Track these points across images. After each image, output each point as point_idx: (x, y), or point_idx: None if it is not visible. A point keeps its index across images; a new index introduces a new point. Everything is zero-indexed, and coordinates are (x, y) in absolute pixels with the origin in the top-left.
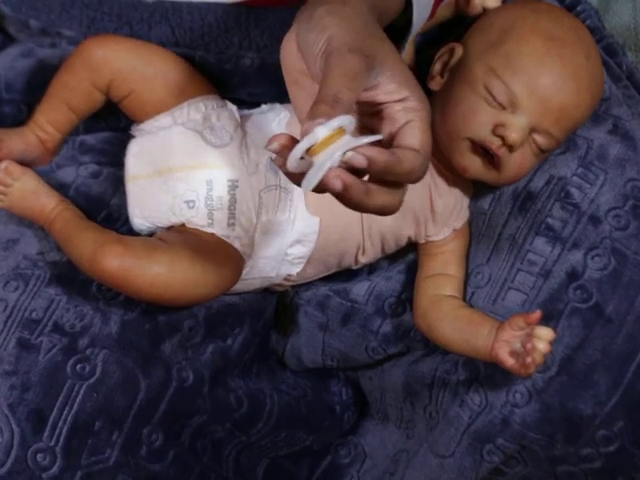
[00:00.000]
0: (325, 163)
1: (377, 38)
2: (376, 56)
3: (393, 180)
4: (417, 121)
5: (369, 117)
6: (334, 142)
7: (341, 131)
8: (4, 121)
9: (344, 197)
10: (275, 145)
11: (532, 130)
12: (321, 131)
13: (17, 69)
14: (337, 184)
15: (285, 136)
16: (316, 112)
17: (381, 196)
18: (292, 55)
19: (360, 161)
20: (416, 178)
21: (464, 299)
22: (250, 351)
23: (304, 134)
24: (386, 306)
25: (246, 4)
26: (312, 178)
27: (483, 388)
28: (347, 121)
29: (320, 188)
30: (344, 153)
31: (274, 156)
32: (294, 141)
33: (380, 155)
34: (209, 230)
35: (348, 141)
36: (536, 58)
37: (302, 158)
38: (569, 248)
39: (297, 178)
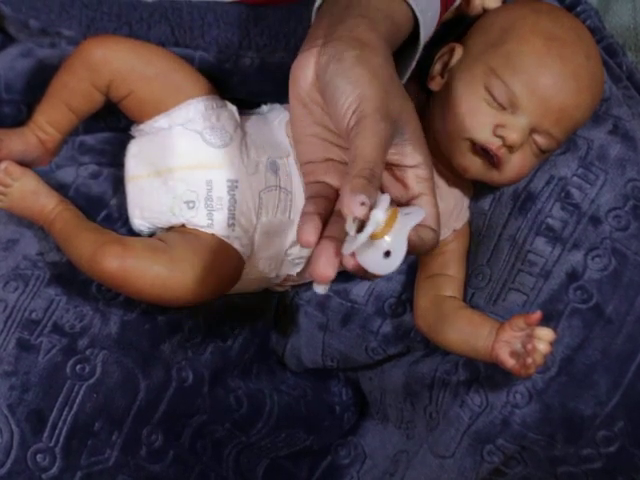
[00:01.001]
0: (401, 248)
1: (401, 97)
2: (401, 119)
3: None
4: (429, 195)
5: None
6: (394, 224)
7: (394, 211)
8: (4, 121)
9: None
10: (308, 237)
11: (532, 130)
12: (380, 215)
13: (17, 69)
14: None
15: (309, 228)
16: (356, 187)
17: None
18: (307, 81)
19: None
20: (426, 253)
21: (464, 300)
22: (250, 351)
23: (347, 208)
24: (386, 306)
25: (246, 3)
26: (391, 263)
27: (483, 389)
28: (389, 198)
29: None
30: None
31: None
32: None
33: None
34: (209, 231)
35: (406, 220)
36: (536, 58)
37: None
38: (569, 248)
39: (356, 266)
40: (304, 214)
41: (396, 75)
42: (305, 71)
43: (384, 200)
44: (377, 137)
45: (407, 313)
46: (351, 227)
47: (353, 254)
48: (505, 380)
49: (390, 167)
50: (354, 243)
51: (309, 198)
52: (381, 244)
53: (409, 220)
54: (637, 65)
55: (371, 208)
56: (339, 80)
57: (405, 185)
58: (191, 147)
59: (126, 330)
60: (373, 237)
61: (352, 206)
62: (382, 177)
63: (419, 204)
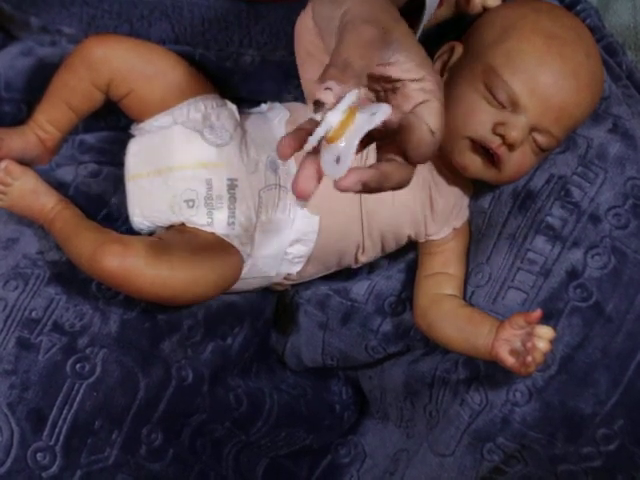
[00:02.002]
0: (348, 154)
1: (395, 18)
2: (393, 32)
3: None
4: (434, 101)
5: (384, 93)
6: (348, 127)
7: (352, 111)
8: (4, 120)
9: (364, 190)
10: (285, 150)
11: (532, 129)
12: (334, 117)
13: (17, 68)
14: (357, 188)
15: (288, 139)
16: (326, 75)
17: (398, 174)
18: (307, 28)
19: (358, 189)
20: (421, 159)
21: (464, 298)
22: (250, 350)
23: (311, 98)
24: (386, 305)
25: (246, 1)
26: (339, 169)
27: (483, 387)
28: (354, 97)
29: (342, 188)
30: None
31: (274, 155)
32: (299, 139)
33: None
34: (209, 229)
35: (362, 124)
36: (536, 57)
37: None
38: (569, 247)
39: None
40: (294, 129)
41: (392, 7)
42: (304, 21)
43: (346, 99)
44: (354, 35)
45: (407, 312)
46: (315, 139)
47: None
48: (505, 378)
49: (394, 87)
50: (309, 142)
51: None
52: (333, 148)
53: (367, 123)
54: (637, 64)
55: (338, 101)
56: (327, 9)
57: (407, 97)
58: (191, 146)
59: (126, 329)
60: (328, 140)
61: (316, 89)
62: (363, 75)
63: (422, 110)
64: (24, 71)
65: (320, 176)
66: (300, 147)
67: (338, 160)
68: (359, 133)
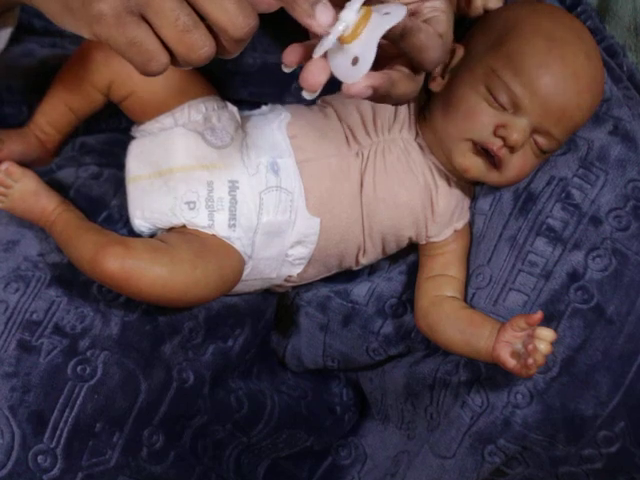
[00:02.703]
0: (367, 55)
1: None
2: None
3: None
4: (443, 15)
5: None
6: (365, 27)
7: (367, 10)
8: (5, 122)
9: (373, 96)
10: (292, 57)
11: (533, 131)
12: (350, 16)
13: (18, 69)
14: (368, 92)
15: (295, 45)
16: None
17: (404, 84)
18: None
19: (367, 94)
20: (432, 62)
21: (465, 300)
22: (251, 352)
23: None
24: (387, 307)
25: None
26: (356, 71)
27: (484, 389)
28: None
29: (352, 93)
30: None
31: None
32: (307, 46)
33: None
34: (210, 231)
35: (382, 22)
36: (537, 59)
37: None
38: (570, 249)
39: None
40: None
41: None
42: None
43: (358, 1)
44: None
45: (408, 313)
46: (332, 39)
47: (325, 59)
48: (506, 380)
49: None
50: (322, 45)
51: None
52: (349, 50)
53: (384, 22)
54: (637, 66)
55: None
56: None
57: (418, 13)
58: (192, 148)
59: (127, 331)
60: (342, 41)
61: None
62: None
63: (430, 20)
64: (25, 73)
65: (328, 73)
66: (307, 54)
67: (355, 62)
68: (378, 32)
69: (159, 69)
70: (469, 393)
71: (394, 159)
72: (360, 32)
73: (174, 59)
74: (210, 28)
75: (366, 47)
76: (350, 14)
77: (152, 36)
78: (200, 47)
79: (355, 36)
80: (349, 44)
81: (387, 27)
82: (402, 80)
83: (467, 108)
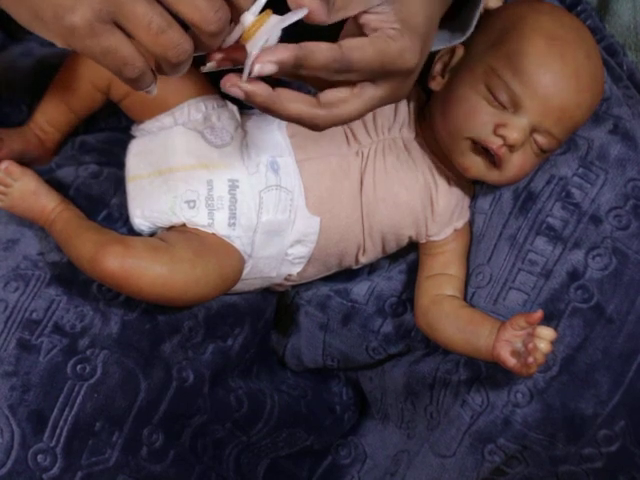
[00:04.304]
0: (251, 53)
1: None
2: None
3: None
4: (381, 39)
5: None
6: (260, 29)
7: (267, 14)
8: (4, 121)
9: (253, 103)
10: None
11: (533, 130)
12: (247, 18)
13: (18, 68)
14: (239, 93)
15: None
16: None
17: (293, 104)
18: None
19: (270, 69)
20: (330, 74)
21: (465, 299)
22: (250, 351)
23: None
24: (387, 306)
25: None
26: (246, 68)
27: (484, 388)
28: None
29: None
30: (266, 40)
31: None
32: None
33: (285, 53)
34: (209, 230)
35: (275, 25)
36: (537, 58)
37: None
38: (570, 248)
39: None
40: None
41: None
42: None
43: (260, 3)
44: None
45: (408, 312)
46: (232, 40)
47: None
48: (506, 379)
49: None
50: (227, 41)
51: None
52: (247, 48)
53: (278, 24)
54: (637, 65)
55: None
56: None
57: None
58: (192, 147)
59: (127, 330)
60: (241, 40)
61: None
62: None
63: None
64: (25, 72)
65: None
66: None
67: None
68: (267, 35)
69: (134, 74)
70: (469, 392)
71: (394, 158)
72: (253, 33)
73: (160, 67)
74: (186, 27)
75: (255, 46)
76: (247, 15)
77: (126, 42)
78: (176, 45)
79: (249, 36)
80: (245, 43)
81: (279, 27)
82: (289, 100)
83: (467, 107)
